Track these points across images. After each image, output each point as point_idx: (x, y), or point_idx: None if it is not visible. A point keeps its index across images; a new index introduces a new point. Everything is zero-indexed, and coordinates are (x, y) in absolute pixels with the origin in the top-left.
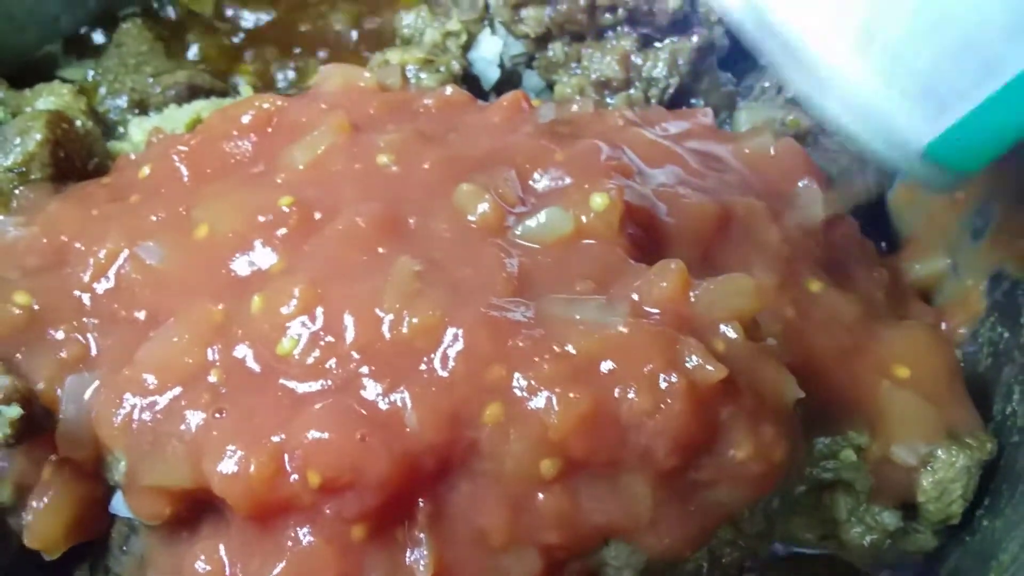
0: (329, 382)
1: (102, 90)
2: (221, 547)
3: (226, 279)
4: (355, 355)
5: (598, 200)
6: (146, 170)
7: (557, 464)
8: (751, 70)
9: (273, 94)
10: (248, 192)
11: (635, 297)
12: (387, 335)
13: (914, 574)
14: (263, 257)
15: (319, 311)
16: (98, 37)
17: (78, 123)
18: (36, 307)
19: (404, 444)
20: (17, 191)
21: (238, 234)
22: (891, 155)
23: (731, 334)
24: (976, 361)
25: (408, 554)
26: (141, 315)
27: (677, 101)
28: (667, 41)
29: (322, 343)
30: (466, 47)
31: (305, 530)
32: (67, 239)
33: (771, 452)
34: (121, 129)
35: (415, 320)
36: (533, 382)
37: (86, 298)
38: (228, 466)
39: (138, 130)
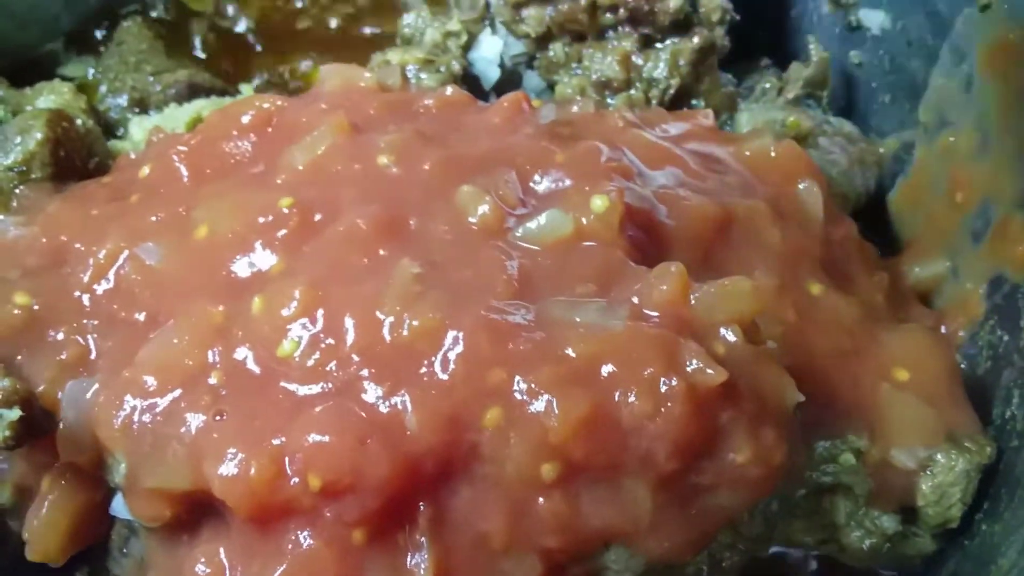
0: (329, 385)
1: (102, 88)
2: (221, 550)
3: (226, 280)
4: (355, 358)
5: (598, 202)
6: (146, 170)
7: (557, 468)
8: (752, 71)
9: (273, 94)
10: (248, 193)
11: (635, 300)
12: (387, 338)
13: None
14: (263, 258)
15: (319, 313)
16: (99, 35)
17: (78, 122)
18: (36, 308)
19: (404, 447)
20: (17, 190)
21: (238, 235)
22: None
23: (731, 337)
24: (975, 364)
25: (409, 558)
26: (141, 316)
27: (678, 102)
28: (668, 42)
29: (322, 345)
30: (466, 47)
31: (305, 533)
32: (67, 239)
33: (771, 455)
34: (121, 128)
35: (415, 323)
36: (533, 385)
37: (86, 299)
38: (228, 468)
39: (138, 129)
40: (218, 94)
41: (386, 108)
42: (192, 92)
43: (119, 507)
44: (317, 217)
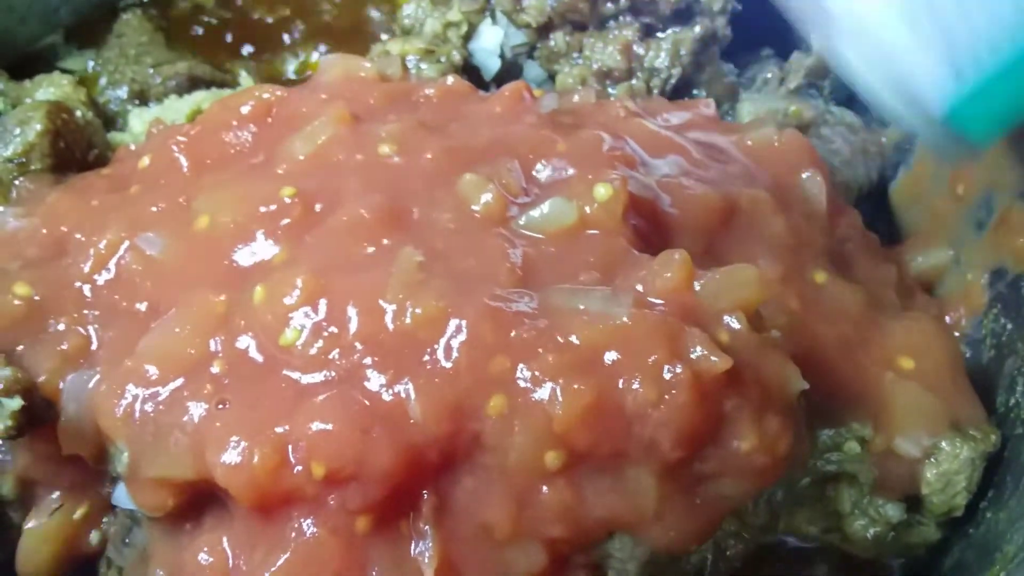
0: (332, 373)
1: (102, 81)
2: (224, 539)
3: (227, 270)
4: (358, 346)
5: (601, 190)
6: (146, 160)
7: (561, 456)
8: (754, 61)
9: (273, 84)
10: (249, 183)
11: (639, 288)
12: (390, 326)
13: (918, 567)
14: (265, 248)
15: (322, 302)
16: (98, 28)
17: (78, 114)
18: (36, 298)
19: (408, 436)
20: (17, 182)
21: (239, 225)
22: (910, 115)
23: (735, 325)
24: (979, 353)
25: (412, 546)
26: (142, 307)
27: (679, 91)
28: (669, 31)
29: (325, 334)
30: (467, 37)
31: (309, 522)
32: (67, 230)
33: (775, 444)
34: (121, 120)
35: (418, 311)
36: (537, 373)
37: (87, 289)
38: (231, 457)
39: (138, 121)
40: (218, 86)
41: (387, 98)
42: (192, 84)
43: (121, 497)
44: (319, 207)
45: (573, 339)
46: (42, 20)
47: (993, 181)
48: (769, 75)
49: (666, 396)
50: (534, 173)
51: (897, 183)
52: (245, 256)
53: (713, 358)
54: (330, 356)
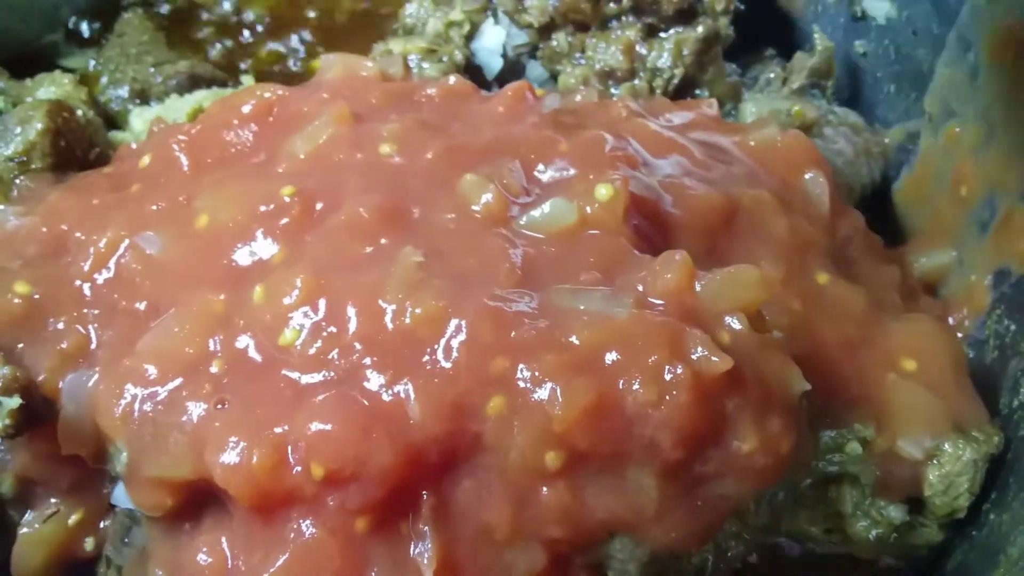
0: (332, 373)
1: (103, 80)
2: (223, 539)
3: (227, 269)
4: (358, 346)
5: (603, 191)
6: (146, 159)
7: (561, 456)
8: (756, 61)
9: (274, 84)
10: (249, 182)
11: (640, 288)
12: (390, 326)
13: (920, 568)
14: (264, 247)
15: (321, 302)
16: (99, 27)
17: (79, 113)
18: (36, 297)
19: (408, 436)
20: (18, 180)
21: (239, 224)
22: None
23: (736, 325)
24: (983, 354)
25: (412, 547)
26: (142, 306)
27: (682, 92)
28: (672, 31)
29: (324, 334)
30: (469, 37)
31: (308, 522)
32: (67, 228)
33: (777, 444)
34: (122, 119)
35: (418, 311)
36: (537, 373)
37: (86, 288)
38: (230, 457)
39: (139, 120)
40: (219, 85)
41: (388, 97)
42: (193, 83)
43: (120, 496)
44: (319, 206)
45: (573, 339)
46: (43, 18)
47: (996, 182)
48: (772, 75)
49: (667, 396)
50: (535, 173)
51: (900, 184)
52: (245, 255)
53: (714, 358)
54: (329, 356)
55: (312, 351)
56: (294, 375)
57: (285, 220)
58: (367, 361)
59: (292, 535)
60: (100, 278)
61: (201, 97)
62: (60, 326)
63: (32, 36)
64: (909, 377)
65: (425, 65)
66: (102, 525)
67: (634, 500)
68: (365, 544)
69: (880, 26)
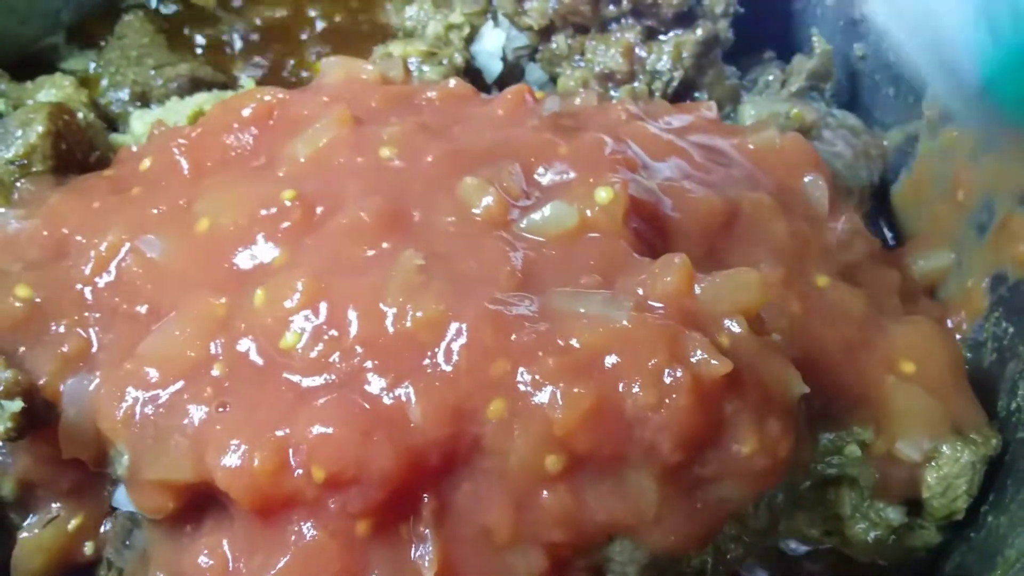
0: (333, 376)
1: (104, 82)
2: (224, 542)
3: (228, 272)
4: (358, 349)
5: (603, 194)
6: (147, 162)
7: (562, 460)
8: (755, 63)
9: (275, 87)
10: (249, 185)
11: (640, 291)
12: (390, 329)
13: (918, 570)
14: (265, 251)
15: (322, 305)
16: (100, 29)
17: (80, 115)
18: (37, 300)
19: (409, 439)
20: (19, 183)
21: (240, 227)
22: (945, 83)
23: (736, 328)
24: (981, 357)
25: (413, 550)
26: (142, 309)
27: (681, 94)
28: (671, 34)
29: (325, 337)
30: (469, 40)
31: (309, 525)
32: (68, 232)
33: (776, 447)
34: (123, 121)
35: (419, 314)
36: (537, 376)
37: (87, 292)
38: (232, 460)
39: (140, 123)
40: (220, 88)
41: (388, 101)
42: (194, 86)
43: (121, 499)
44: (319, 209)
45: (573, 342)
46: (44, 21)
47: (993, 187)
48: (771, 78)
49: (666, 400)
50: (535, 176)
51: (899, 186)
52: (245, 259)
53: (713, 362)
54: (330, 359)
55: (313, 354)
56: (295, 378)
57: (286, 223)
58: (368, 364)
59: (293, 538)
60: (101, 281)
61: (202, 100)
62: (61, 329)
63: (32, 38)
64: (908, 379)
65: (425, 68)
66: (102, 529)
67: (634, 503)
68: (366, 547)
69: (879, 29)
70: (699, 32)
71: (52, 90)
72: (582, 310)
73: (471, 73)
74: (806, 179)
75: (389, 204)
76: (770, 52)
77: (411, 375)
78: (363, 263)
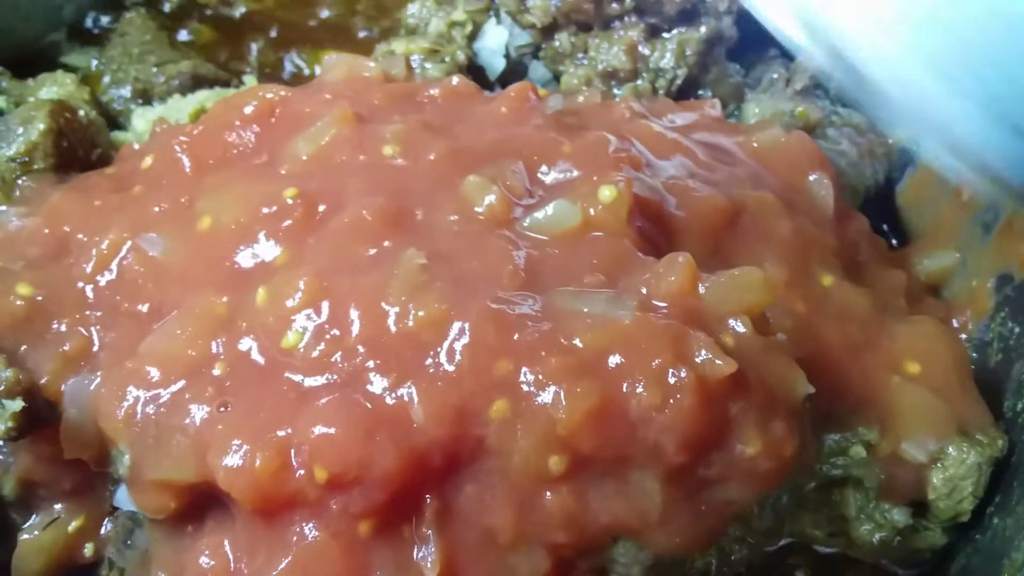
0: (335, 376)
1: (106, 79)
2: (226, 542)
3: (229, 271)
4: (361, 349)
5: (606, 192)
6: (148, 160)
7: (565, 460)
8: (760, 61)
9: (277, 84)
10: (251, 183)
11: (644, 291)
12: (393, 328)
13: (924, 571)
14: (267, 249)
15: (324, 304)
16: (102, 26)
17: (81, 113)
18: (39, 299)
19: (411, 440)
20: (20, 181)
21: (241, 226)
22: (999, 191)
23: (740, 328)
24: (987, 357)
25: (415, 551)
26: (144, 308)
27: (685, 92)
28: (675, 31)
29: (327, 336)
30: (471, 37)
31: (311, 525)
32: (70, 230)
33: (781, 448)
34: (125, 119)
35: (421, 313)
36: (540, 376)
37: (89, 290)
38: (233, 460)
39: (142, 120)
40: (222, 85)
41: (391, 98)
42: (195, 83)
43: (123, 499)
44: (321, 208)
45: (577, 342)
46: (46, 17)
47: None
48: (775, 75)
49: (670, 400)
50: (539, 175)
51: (904, 185)
52: (247, 257)
53: (718, 362)
54: (332, 359)
55: (315, 354)
56: (297, 378)
57: (288, 222)
58: (370, 364)
59: (295, 538)
60: (102, 280)
61: (203, 97)
62: (63, 328)
63: (35, 35)
64: (913, 380)
65: (428, 65)
66: (103, 531)
67: (638, 504)
68: (368, 547)
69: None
70: (703, 29)
71: (54, 87)
72: (585, 309)
73: (474, 70)
74: (811, 178)
75: (391, 203)
76: (774, 49)
77: (413, 375)
78: (365, 262)
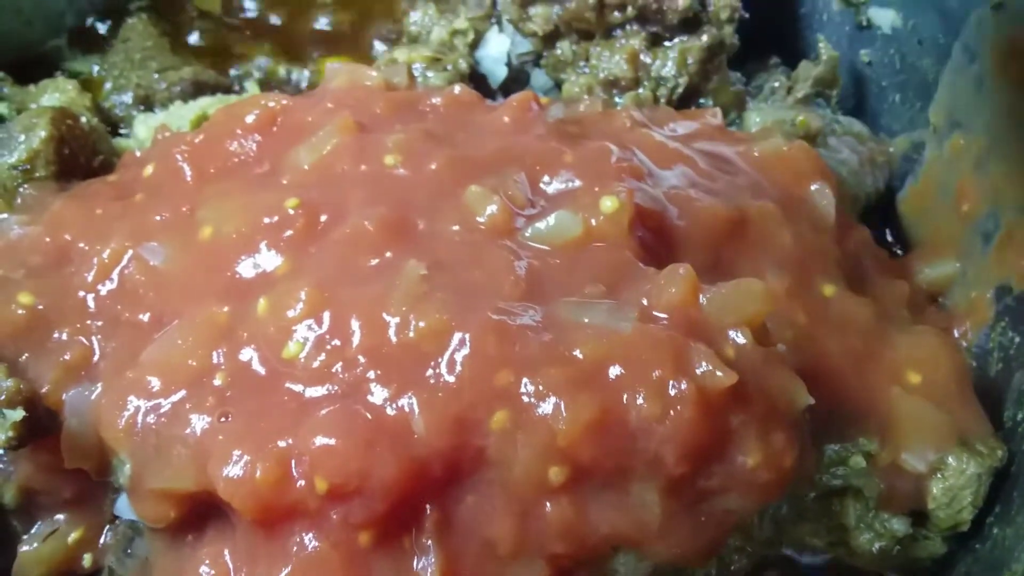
0: (336, 386)
1: (107, 86)
2: (226, 551)
3: (231, 281)
4: (362, 359)
5: (608, 203)
6: (150, 168)
7: (565, 471)
8: (761, 70)
9: (279, 93)
10: (253, 193)
11: (644, 301)
12: (394, 339)
13: None
14: (268, 259)
15: (325, 314)
16: (104, 32)
17: (83, 119)
18: (40, 307)
19: (412, 450)
20: (21, 188)
21: (243, 236)
22: None
23: (741, 340)
24: (987, 367)
25: (415, 561)
26: (145, 317)
27: (686, 101)
28: (677, 40)
29: (328, 347)
30: (473, 45)
31: (311, 535)
32: (71, 238)
33: (781, 459)
34: (126, 126)
35: (422, 324)
36: (541, 387)
37: (90, 299)
38: (234, 470)
39: (143, 127)
40: (223, 92)
41: (393, 107)
42: (197, 90)
43: (123, 508)
44: (323, 218)
45: (577, 353)
46: (47, 23)
47: (998, 197)
48: (776, 84)
49: (671, 411)
50: (541, 184)
51: (904, 194)
52: (248, 267)
53: (718, 373)
54: (333, 369)
55: (316, 364)
56: (298, 388)
57: (289, 232)
58: (371, 374)
59: (295, 548)
60: (103, 289)
61: (205, 104)
62: (63, 337)
63: (36, 41)
64: (913, 390)
65: (429, 74)
66: (103, 539)
67: (638, 515)
68: (368, 558)
69: (885, 35)
70: (704, 38)
71: (55, 94)
72: (586, 320)
73: (475, 79)
74: (812, 188)
75: (393, 213)
76: (776, 58)
77: (414, 385)
78: (366, 272)
